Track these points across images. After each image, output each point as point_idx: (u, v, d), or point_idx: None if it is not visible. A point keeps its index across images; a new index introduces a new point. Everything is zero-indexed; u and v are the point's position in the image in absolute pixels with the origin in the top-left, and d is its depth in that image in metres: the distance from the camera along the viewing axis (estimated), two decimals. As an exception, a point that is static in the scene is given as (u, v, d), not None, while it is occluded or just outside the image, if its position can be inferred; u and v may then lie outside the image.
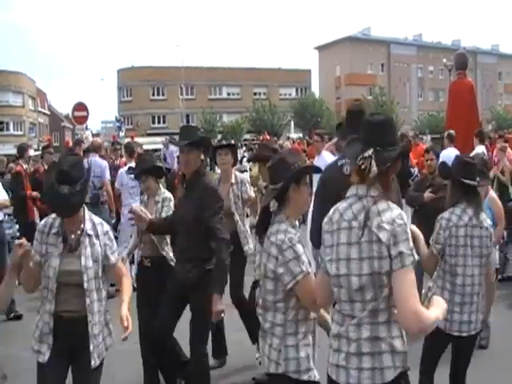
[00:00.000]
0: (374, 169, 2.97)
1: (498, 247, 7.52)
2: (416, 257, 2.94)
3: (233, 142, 7.64)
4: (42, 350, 4.08)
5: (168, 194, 6.16)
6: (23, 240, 3.95)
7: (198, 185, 5.34)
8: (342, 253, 3.07)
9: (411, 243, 2.94)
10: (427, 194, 7.72)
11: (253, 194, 7.31)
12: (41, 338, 4.09)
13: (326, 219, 3.24)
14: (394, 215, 2.96)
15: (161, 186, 6.36)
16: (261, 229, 3.67)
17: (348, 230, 3.05)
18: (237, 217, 6.82)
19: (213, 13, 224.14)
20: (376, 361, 2.97)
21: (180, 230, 5.42)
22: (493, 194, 7.25)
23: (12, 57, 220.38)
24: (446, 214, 4.72)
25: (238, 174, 7.17)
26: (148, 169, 6.18)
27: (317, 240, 3.66)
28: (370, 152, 2.99)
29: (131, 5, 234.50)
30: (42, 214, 11.90)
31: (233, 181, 6.94)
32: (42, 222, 4.26)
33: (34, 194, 11.49)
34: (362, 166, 3.00)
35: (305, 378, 3.48)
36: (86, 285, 4.03)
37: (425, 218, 6.34)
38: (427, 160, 8.12)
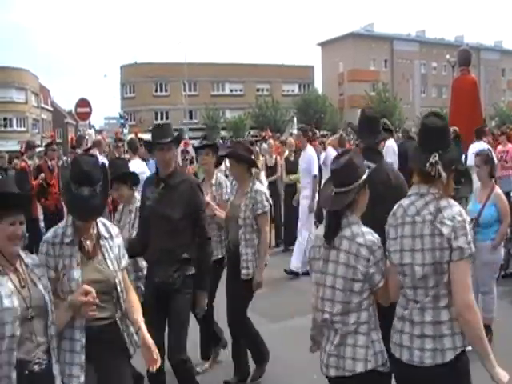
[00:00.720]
0: (444, 175, 3.34)
1: (503, 243, 7.50)
2: (473, 249, 3.28)
3: (214, 141, 7.77)
4: (73, 372, 3.66)
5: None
6: (91, 289, 3.57)
7: (180, 182, 5.30)
8: (406, 244, 3.44)
9: (469, 237, 3.28)
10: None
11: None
12: (71, 360, 3.68)
13: (390, 214, 3.62)
14: (455, 212, 3.32)
15: (136, 194, 6.06)
16: (332, 233, 3.67)
17: (412, 224, 3.42)
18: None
19: (215, 9, 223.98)
20: (437, 343, 3.30)
21: (161, 231, 5.20)
22: (498, 190, 7.25)
23: (14, 54, 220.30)
24: None
25: (219, 175, 7.11)
26: (120, 175, 5.85)
27: None
28: (435, 158, 3.33)
29: (134, 1, 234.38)
30: (46, 210, 11.94)
31: (213, 181, 6.93)
32: (51, 232, 3.85)
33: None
34: (432, 173, 3.35)
35: (388, 369, 3.62)
36: (119, 288, 3.86)
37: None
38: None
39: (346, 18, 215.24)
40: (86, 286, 3.58)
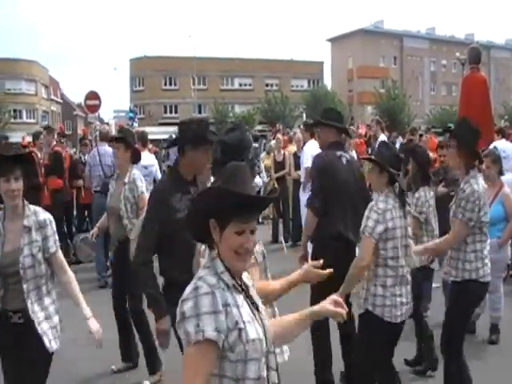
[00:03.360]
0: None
1: (510, 242, 7.51)
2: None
3: (127, 134, 6.72)
4: None
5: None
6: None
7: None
8: None
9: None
10: (440, 189, 7.72)
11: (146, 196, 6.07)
12: None
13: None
14: None
15: (135, 171, 6.47)
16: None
17: None
18: (126, 221, 6.26)
19: (225, 3, 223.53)
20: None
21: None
22: (507, 189, 7.24)
23: (24, 47, 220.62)
24: None
25: (134, 171, 6.45)
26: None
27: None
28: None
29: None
30: (54, 200, 11.93)
31: (126, 180, 6.37)
32: None
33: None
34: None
35: None
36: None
37: (437, 212, 6.38)
38: (440, 156, 8.09)
39: (356, 14, 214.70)
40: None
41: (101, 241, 9.54)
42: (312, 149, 11.28)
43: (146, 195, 5.89)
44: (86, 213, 12.57)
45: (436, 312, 6.56)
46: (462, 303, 5.03)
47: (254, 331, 2.30)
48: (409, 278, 4.67)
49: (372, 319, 4.55)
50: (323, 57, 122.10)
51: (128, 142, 6.39)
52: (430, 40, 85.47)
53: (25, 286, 3.92)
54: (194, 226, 2.50)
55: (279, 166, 14.14)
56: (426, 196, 6.03)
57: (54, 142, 12.43)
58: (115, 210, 6.27)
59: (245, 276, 2.52)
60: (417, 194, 6.10)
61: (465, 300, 5.01)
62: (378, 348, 4.64)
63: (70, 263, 11.34)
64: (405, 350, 6.67)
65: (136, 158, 6.53)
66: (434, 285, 8.10)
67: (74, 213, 13.26)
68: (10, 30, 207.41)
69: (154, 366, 6.17)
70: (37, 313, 3.97)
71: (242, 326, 2.26)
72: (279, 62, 76.69)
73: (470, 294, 4.97)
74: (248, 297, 2.44)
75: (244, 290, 2.43)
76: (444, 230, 5.90)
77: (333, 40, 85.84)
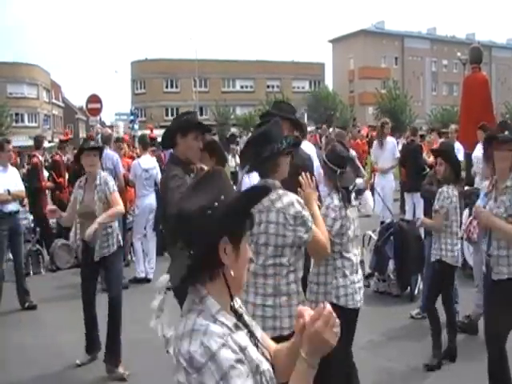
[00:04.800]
0: None
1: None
2: None
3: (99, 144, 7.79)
4: None
5: None
6: None
7: None
8: None
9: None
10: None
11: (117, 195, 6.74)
12: None
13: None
14: None
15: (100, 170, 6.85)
16: None
17: None
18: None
19: (226, 6, 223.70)
20: None
21: None
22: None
23: (26, 50, 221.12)
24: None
25: (102, 173, 6.83)
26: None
27: None
28: None
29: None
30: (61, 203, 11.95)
31: (97, 182, 6.65)
32: None
33: (49, 184, 11.71)
34: None
35: None
36: None
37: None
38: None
39: (357, 15, 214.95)
40: None
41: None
42: (306, 149, 11.31)
43: (117, 193, 6.72)
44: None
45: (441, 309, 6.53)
46: None
47: (265, 364, 2.04)
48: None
49: (336, 311, 4.45)
50: (324, 58, 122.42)
51: (102, 151, 7.22)
52: (431, 40, 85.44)
53: None
54: (201, 260, 1.95)
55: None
56: (448, 193, 6.04)
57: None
58: (90, 213, 6.43)
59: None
60: (440, 190, 6.15)
61: None
62: (343, 338, 4.57)
63: (52, 270, 11.41)
64: (408, 348, 6.68)
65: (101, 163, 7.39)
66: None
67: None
68: (11, 33, 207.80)
69: (118, 357, 6.41)
70: None
71: (261, 368, 1.99)
72: (280, 64, 76.73)
73: None
74: (246, 327, 2.12)
75: (243, 323, 2.11)
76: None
77: (334, 41, 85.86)
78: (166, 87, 73.78)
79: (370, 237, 9.55)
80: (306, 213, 3.84)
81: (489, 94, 12.40)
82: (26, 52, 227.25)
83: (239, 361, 1.87)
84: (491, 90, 13.56)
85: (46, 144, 14.77)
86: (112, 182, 6.73)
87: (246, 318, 2.18)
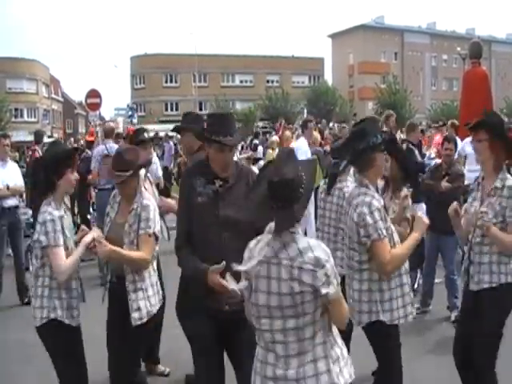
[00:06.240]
0: None
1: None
2: None
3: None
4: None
5: None
6: None
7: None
8: None
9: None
10: (444, 184, 7.63)
11: None
12: None
13: None
14: None
15: None
16: None
17: None
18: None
19: (226, 0, 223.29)
20: None
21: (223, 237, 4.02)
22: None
23: (25, 45, 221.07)
24: None
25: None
26: None
27: None
28: None
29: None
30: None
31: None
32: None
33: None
34: None
35: None
36: None
37: (440, 207, 6.30)
38: (446, 149, 7.98)
39: (357, 10, 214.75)
40: None
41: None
42: (302, 145, 11.34)
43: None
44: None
45: (437, 307, 6.54)
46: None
47: None
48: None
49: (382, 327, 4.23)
50: (324, 53, 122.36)
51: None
52: (430, 35, 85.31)
53: None
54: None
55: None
56: None
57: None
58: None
59: None
60: None
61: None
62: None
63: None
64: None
65: None
66: (436, 280, 8.11)
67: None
68: (11, 29, 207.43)
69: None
70: None
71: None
72: (280, 59, 76.62)
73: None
74: None
75: None
76: (445, 227, 5.85)
77: (333, 36, 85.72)
78: (166, 82, 73.66)
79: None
80: None
81: (489, 88, 12.39)
82: (25, 47, 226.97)
83: None
84: (491, 84, 13.55)
85: (45, 139, 14.71)
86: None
87: None
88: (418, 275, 8.54)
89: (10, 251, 9.50)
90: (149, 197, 4.72)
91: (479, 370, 4.60)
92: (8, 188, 8.70)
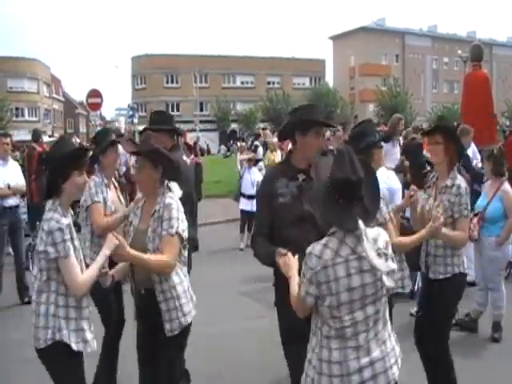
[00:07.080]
0: None
1: (511, 239, 7.47)
2: None
3: None
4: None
5: None
6: None
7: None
8: None
9: None
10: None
11: None
12: None
13: None
14: None
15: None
16: None
17: None
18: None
19: (227, 1, 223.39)
20: None
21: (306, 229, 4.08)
22: (507, 186, 7.22)
23: (26, 45, 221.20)
24: None
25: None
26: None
27: None
28: None
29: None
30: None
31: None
32: None
33: None
34: None
35: None
36: None
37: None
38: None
39: (358, 12, 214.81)
40: None
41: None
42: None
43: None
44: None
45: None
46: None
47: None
48: None
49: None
50: (325, 54, 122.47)
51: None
52: (431, 38, 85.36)
53: None
54: None
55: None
56: None
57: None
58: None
59: None
60: None
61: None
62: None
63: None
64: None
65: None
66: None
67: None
68: (11, 28, 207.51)
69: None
70: None
71: None
72: (281, 60, 76.67)
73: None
74: None
75: None
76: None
77: (335, 38, 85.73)
78: (167, 82, 73.72)
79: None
80: None
81: (490, 91, 12.41)
82: (25, 47, 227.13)
83: None
84: (492, 87, 13.57)
85: (46, 139, 14.73)
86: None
87: None
88: (418, 277, 8.54)
89: (10, 250, 9.51)
90: (171, 195, 4.30)
91: (432, 357, 5.10)
92: (9, 187, 8.71)
